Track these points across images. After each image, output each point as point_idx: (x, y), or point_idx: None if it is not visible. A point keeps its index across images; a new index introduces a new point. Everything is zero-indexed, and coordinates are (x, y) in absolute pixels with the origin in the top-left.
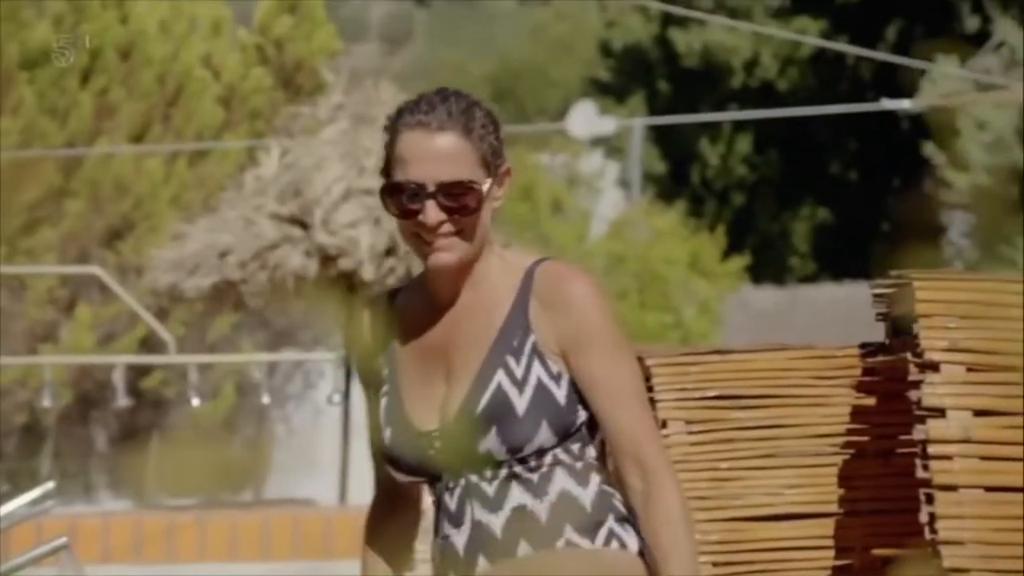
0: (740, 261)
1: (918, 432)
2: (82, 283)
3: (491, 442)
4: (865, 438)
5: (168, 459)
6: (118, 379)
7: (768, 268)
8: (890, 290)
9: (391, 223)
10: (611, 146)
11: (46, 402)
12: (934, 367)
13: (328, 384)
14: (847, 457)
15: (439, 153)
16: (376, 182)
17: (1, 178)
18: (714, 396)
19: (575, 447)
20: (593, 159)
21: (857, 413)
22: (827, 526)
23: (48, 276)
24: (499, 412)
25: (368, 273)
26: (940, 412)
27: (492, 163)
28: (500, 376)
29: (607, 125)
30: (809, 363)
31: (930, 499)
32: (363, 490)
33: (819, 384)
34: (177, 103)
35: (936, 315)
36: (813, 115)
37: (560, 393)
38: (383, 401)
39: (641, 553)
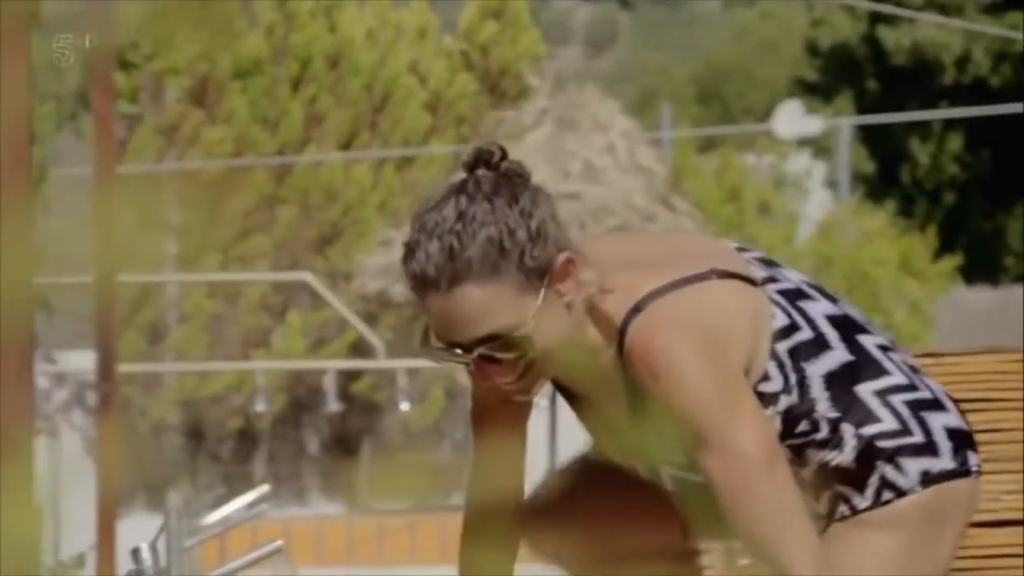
0: (952, 261)
1: None
2: (293, 290)
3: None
4: None
5: (379, 463)
6: (329, 384)
7: (981, 268)
8: None
9: (597, 227)
10: (818, 146)
11: (259, 407)
12: None
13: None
14: None
15: (460, 314)
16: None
17: (215, 187)
18: None
19: (802, 426)
20: (800, 159)
21: None
22: None
23: (261, 283)
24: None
25: None
26: None
27: (536, 272)
28: (669, 471)
29: (814, 125)
30: (1020, 366)
31: None
32: None
33: None
34: (384, 110)
35: None
36: None
37: None
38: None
39: (926, 480)
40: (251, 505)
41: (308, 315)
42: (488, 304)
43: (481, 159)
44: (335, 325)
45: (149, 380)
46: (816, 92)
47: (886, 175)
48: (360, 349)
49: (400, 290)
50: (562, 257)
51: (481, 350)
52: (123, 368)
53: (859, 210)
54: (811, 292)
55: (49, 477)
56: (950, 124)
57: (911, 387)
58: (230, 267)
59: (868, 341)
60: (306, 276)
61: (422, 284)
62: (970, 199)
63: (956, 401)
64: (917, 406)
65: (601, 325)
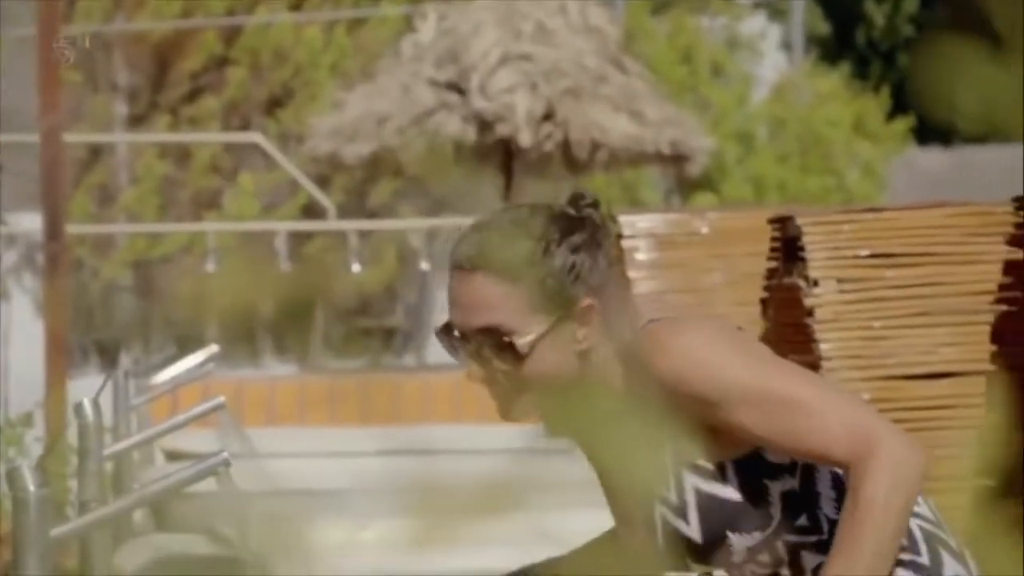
0: (905, 122)
1: None
2: (244, 151)
3: (703, 564)
4: (1018, 294)
5: (331, 325)
6: (280, 246)
7: (934, 129)
8: None
9: (549, 88)
10: (773, 8)
11: (210, 268)
12: None
13: None
14: (1001, 314)
15: (468, 299)
16: (531, 47)
17: (165, 48)
18: (867, 255)
19: (802, 520)
20: (754, 21)
21: (1010, 268)
22: (981, 383)
23: (211, 144)
24: (683, 549)
25: (525, 139)
26: None
27: (557, 302)
28: (661, 510)
29: None
30: (964, 220)
31: None
32: None
33: (974, 241)
34: None
35: None
36: None
37: (730, 490)
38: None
39: None
40: (200, 365)
41: (259, 177)
42: (496, 300)
43: (572, 199)
44: (286, 187)
45: (100, 241)
46: None
47: (841, 37)
48: (312, 212)
49: (351, 151)
50: (586, 302)
51: (476, 345)
52: (73, 229)
53: (813, 72)
54: None
55: None
56: None
57: (932, 521)
58: (180, 128)
59: None
60: (256, 137)
61: (454, 259)
62: (924, 60)
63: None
64: (932, 537)
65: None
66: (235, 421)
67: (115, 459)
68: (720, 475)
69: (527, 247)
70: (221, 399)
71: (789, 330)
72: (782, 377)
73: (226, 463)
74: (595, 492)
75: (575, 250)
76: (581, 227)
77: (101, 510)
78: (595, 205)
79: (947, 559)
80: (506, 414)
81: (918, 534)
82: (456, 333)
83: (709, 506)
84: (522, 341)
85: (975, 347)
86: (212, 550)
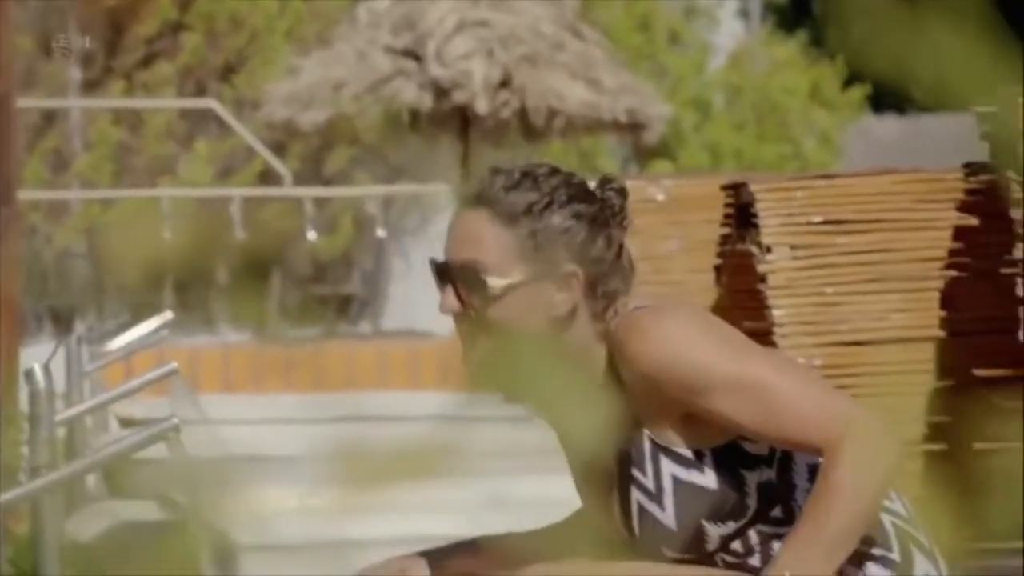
0: (861, 90)
1: (1019, 251)
2: (200, 118)
3: (671, 554)
4: (968, 259)
5: (287, 292)
6: (235, 212)
7: (889, 97)
8: (994, 108)
9: (506, 54)
10: None
11: (166, 235)
12: None
13: (444, 218)
14: (950, 279)
15: (461, 232)
16: (488, 14)
17: (119, 13)
18: (820, 221)
19: (777, 511)
20: None
21: (960, 234)
22: (931, 349)
23: (166, 111)
24: (657, 535)
25: (482, 107)
26: None
27: (543, 258)
28: (637, 495)
29: None
30: (915, 187)
31: None
32: None
33: (925, 207)
34: None
35: None
36: None
37: (708, 478)
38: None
39: None
40: (154, 331)
41: (214, 144)
42: (484, 238)
43: (601, 179)
44: (242, 154)
45: (54, 207)
46: None
47: (798, 5)
48: (268, 179)
49: (307, 118)
50: (570, 268)
51: (454, 277)
52: (26, 195)
53: (770, 40)
54: None
55: None
56: None
57: (905, 518)
58: (135, 94)
59: None
60: (212, 103)
61: (462, 195)
62: (880, 28)
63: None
64: (905, 534)
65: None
66: (188, 387)
67: (68, 425)
68: (698, 463)
69: (530, 198)
70: (174, 365)
71: (742, 296)
72: (760, 364)
73: (176, 428)
74: (551, 458)
75: (576, 217)
76: (592, 201)
77: (51, 475)
78: (621, 192)
79: (918, 557)
80: (467, 357)
81: (890, 530)
82: (441, 261)
83: (685, 493)
84: (496, 283)
85: (925, 313)
86: (164, 516)
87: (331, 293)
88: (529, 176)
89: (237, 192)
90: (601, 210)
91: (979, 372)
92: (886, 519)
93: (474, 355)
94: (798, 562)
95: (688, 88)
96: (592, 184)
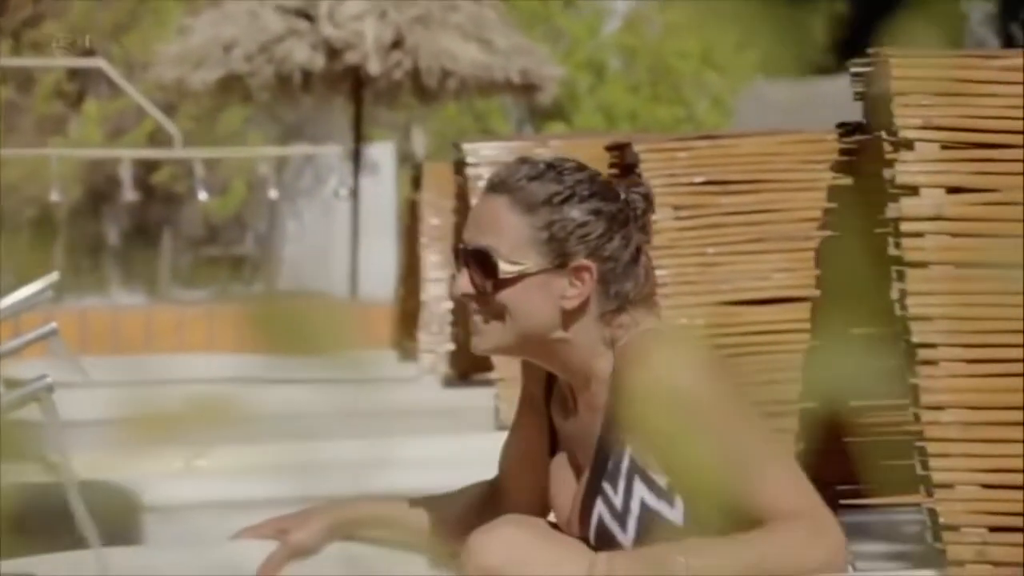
0: (754, 54)
1: (891, 210)
2: (90, 78)
3: None
4: (842, 219)
5: (179, 253)
6: (125, 173)
7: (783, 61)
8: (867, 68)
9: (398, 15)
10: None
11: (54, 197)
12: (908, 145)
13: (336, 179)
14: (826, 239)
15: (480, 217)
16: None
17: None
18: (702, 182)
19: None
20: None
21: (836, 194)
22: (808, 309)
23: (56, 70)
24: (609, 551)
25: (374, 67)
26: (913, 190)
27: (557, 250)
28: (600, 508)
29: None
30: (796, 147)
31: (901, 276)
32: (373, 283)
33: (804, 168)
34: None
35: (911, 92)
36: None
37: (676, 513)
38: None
39: None
40: (39, 292)
41: (105, 104)
42: (501, 224)
43: (629, 181)
44: (133, 114)
45: None
46: None
47: None
48: (159, 140)
49: (198, 78)
50: (583, 261)
51: (469, 259)
52: None
53: (664, 4)
54: None
55: None
56: None
57: None
58: (23, 53)
59: None
60: (100, 63)
61: (488, 180)
62: None
63: None
64: None
65: (606, 352)
66: (69, 349)
67: None
68: (669, 495)
69: (551, 189)
70: (53, 324)
71: None
72: (752, 433)
73: (49, 388)
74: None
75: (595, 213)
76: (614, 200)
77: None
78: (646, 198)
79: None
80: (481, 347)
81: None
82: (460, 245)
83: (650, 521)
84: (508, 268)
85: (804, 273)
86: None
87: (223, 255)
88: (554, 168)
89: (127, 153)
90: (622, 210)
91: (855, 331)
92: None
93: (482, 342)
94: (700, 557)
95: (583, 50)
96: (615, 180)
